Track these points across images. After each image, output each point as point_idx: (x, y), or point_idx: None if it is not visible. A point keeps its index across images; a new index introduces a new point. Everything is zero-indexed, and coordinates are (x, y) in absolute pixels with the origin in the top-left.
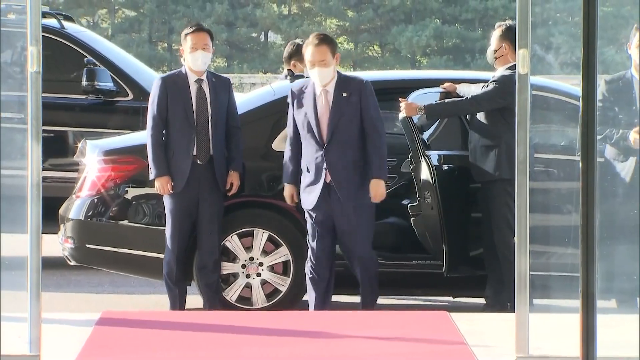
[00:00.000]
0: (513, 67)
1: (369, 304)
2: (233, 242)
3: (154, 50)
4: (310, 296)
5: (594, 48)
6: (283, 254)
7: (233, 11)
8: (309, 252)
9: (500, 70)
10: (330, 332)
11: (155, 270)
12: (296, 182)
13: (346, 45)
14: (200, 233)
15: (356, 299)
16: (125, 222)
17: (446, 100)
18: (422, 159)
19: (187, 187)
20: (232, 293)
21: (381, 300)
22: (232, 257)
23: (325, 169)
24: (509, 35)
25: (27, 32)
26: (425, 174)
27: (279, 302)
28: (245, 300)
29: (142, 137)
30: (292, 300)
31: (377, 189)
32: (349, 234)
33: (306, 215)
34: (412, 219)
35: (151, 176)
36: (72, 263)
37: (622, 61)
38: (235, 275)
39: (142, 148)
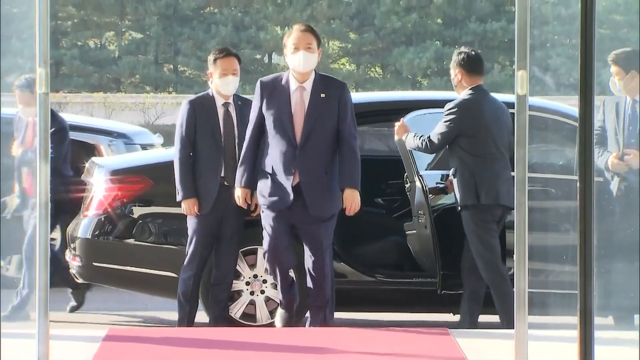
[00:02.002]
0: (470, 92)
1: (320, 314)
2: (238, 260)
3: (160, 72)
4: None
5: (591, 69)
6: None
7: (237, 33)
8: (264, 243)
9: (460, 96)
10: (333, 348)
11: (161, 287)
12: (251, 185)
13: (348, 67)
14: (219, 252)
15: (355, 315)
16: (132, 240)
17: (414, 135)
18: (416, 179)
19: (213, 208)
20: (236, 310)
21: (382, 317)
22: (236, 275)
23: (294, 171)
24: (461, 62)
25: (36, 55)
26: (419, 193)
27: (273, 314)
28: (249, 317)
29: (149, 156)
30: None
31: (352, 200)
32: (310, 243)
33: (264, 209)
34: (407, 237)
35: (178, 198)
36: (80, 281)
37: None
38: (239, 293)
39: (148, 167)
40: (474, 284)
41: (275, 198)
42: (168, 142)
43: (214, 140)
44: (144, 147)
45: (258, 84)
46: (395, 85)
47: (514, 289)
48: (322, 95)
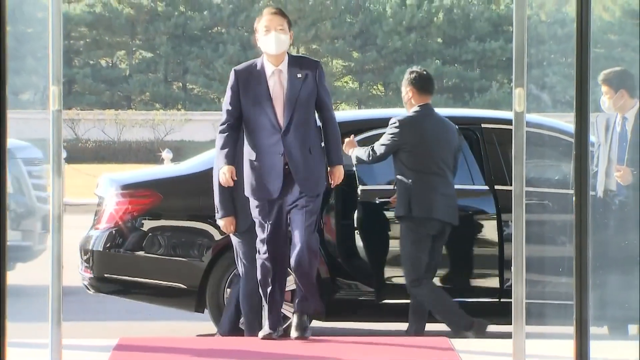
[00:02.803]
0: (417, 109)
1: (305, 307)
2: None
3: (170, 90)
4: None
5: (586, 87)
6: (291, 282)
7: (244, 52)
8: (259, 244)
9: (407, 113)
10: (335, 357)
11: (170, 298)
12: (234, 163)
13: (351, 85)
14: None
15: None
16: (142, 252)
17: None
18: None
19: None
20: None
21: (382, 327)
22: None
23: (282, 154)
24: (412, 81)
25: (49, 73)
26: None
27: (287, 328)
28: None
29: (158, 171)
30: None
31: (339, 174)
32: (301, 224)
33: (254, 204)
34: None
35: (218, 216)
36: (92, 292)
37: None
38: None
39: (158, 182)
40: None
41: (265, 186)
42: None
43: None
44: (30, 161)
45: (232, 72)
46: (397, 103)
47: (512, 300)
48: (299, 75)
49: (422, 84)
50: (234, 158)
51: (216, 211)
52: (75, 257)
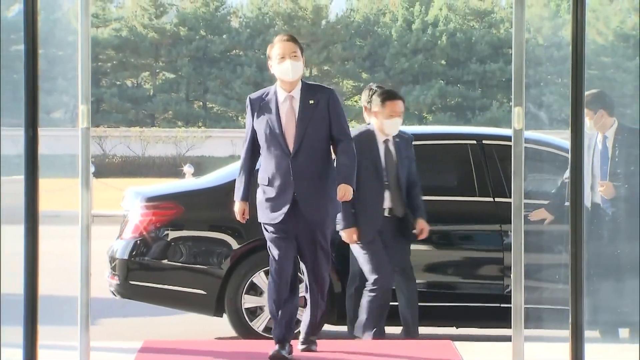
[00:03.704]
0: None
1: (313, 327)
2: (260, 278)
3: (191, 109)
4: (274, 321)
5: (581, 106)
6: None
7: (260, 73)
8: (271, 264)
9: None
10: (341, 358)
11: (191, 303)
12: (247, 198)
13: (361, 104)
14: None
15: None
16: (165, 261)
17: None
18: None
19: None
20: (259, 324)
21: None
22: (259, 292)
23: (291, 179)
24: (368, 98)
25: (79, 93)
26: None
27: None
28: (271, 330)
29: (180, 185)
30: None
31: (347, 191)
32: (311, 250)
33: (266, 227)
34: None
35: (339, 227)
36: (118, 297)
37: None
38: (262, 308)
39: (180, 195)
40: (406, 293)
41: (275, 211)
42: (198, 171)
43: (376, 173)
44: None
45: (247, 100)
46: (404, 120)
47: (512, 305)
48: (311, 102)
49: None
50: (248, 192)
51: (338, 223)
52: (104, 265)
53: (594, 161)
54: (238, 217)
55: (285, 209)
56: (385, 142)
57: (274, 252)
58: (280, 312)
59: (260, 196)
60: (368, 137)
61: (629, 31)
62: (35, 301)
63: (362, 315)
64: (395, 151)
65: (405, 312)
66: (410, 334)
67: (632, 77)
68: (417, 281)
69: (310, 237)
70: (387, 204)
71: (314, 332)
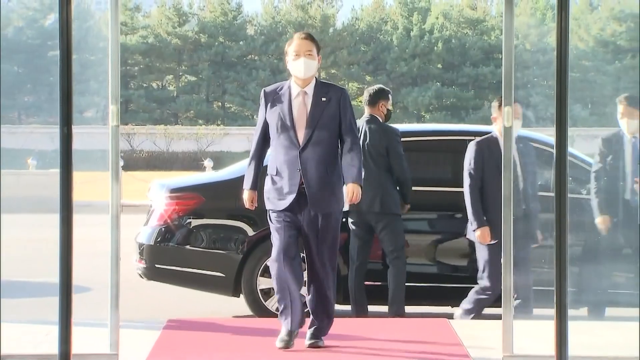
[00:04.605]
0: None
1: (324, 321)
2: None
3: (211, 108)
4: (282, 302)
5: (565, 106)
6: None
7: (273, 76)
8: (273, 251)
9: None
10: (336, 336)
11: (212, 285)
12: (256, 187)
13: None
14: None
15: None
16: (188, 246)
17: None
18: None
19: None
20: (273, 303)
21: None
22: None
23: (299, 170)
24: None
25: (109, 94)
26: None
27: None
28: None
29: (201, 177)
30: None
31: (354, 192)
32: (315, 242)
33: (271, 214)
34: None
35: (472, 228)
36: (144, 280)
37: (586, 117)
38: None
39: (201, 186)
40: (393, 274)
41: (281, 199)
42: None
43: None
44: None
45: (262, 92)
46: (404, 119)
47: (502, 286)
48: (323, 99)
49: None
50: (257, 181)
51: (470, 223)
52: (131, 249)
53: (626, 160)
54: (247, 204)
55: (291, 198)
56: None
57: (276, 238)
58: (288, 301)
59: (268, 185)
60: (493, 142)
61: (608, 38)
62: (70, 283)
63: (468, 305)
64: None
65: None
66: None
67: (611, 79)
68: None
69: (315, 231)
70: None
71: (319, 334)
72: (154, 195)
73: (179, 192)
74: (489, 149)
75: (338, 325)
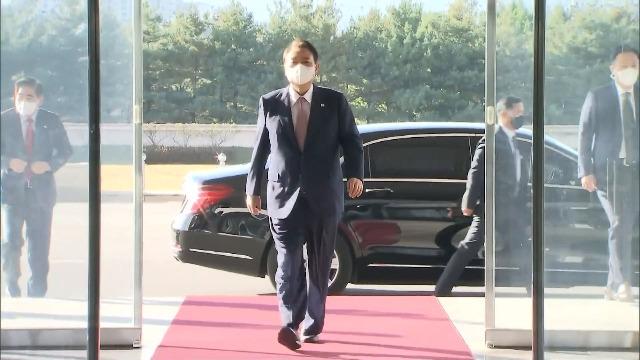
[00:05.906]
0: None
1: (316, 313)
2: None
3: (224, 108)
4: (283, 310)
5: (542, 105)
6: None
7: (280, 80)
8: (279, 260)
9: None
10: (338, 310)
11: (240, 266)
12: (259, 192)
13: (362, 104)
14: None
15: (350, 285)
16: (218, 232)
17: None
18: None
19: None
20: None
21: (379, 289)
22: None
23: (300, 176)
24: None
25: (133, 95)
26: None
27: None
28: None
29: (230, 170)
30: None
31: (355, 184)
32: (316, 243)
33: (274, 222)
34: None
35: (581, 173)
36: (180, 262)
37: (561, 115)
38: None
39: (229, 179)
40: (455, 260)
41: (282, 206)
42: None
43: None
44: None
45: (260, 100)
46: (397, 118)
47: (485, 268)
48: (322, 105)
49: None
50: (260, 186)
51: (579, 170)
52: (155, 233)
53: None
54: (251, 210)
55: (293, 205)
56: (625, 95)
57: (281, 247)
58: (290, 305)
59: (269, 192)
60: (609, 93)
61: (580, 45)
62: (98, 264)
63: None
64: (635, 105)
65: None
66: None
67: (582, 82)
68: None
69: (317, 234)
70: (621, 154)
71: (315, 330)
72: (188, 187)
73: (210, 184)
74: (603, 101)
75: (327, 303)
